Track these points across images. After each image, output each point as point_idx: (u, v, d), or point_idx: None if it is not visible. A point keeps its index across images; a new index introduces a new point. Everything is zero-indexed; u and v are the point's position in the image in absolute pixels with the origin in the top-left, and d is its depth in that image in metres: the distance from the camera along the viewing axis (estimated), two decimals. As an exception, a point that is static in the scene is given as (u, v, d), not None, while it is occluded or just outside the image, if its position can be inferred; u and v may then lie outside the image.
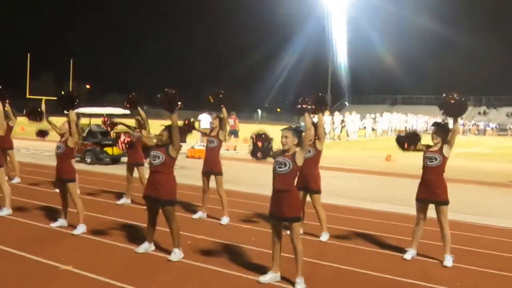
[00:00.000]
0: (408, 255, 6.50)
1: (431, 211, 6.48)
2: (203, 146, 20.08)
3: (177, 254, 6.11)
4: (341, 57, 69.76)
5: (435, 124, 6.48)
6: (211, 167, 8.29)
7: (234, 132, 23.08)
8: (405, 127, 43.31)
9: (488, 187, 13.33)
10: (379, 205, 10.20)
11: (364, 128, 36.70)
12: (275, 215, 5.42)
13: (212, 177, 8.31)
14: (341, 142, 29.51)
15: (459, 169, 14.20)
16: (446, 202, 6.31)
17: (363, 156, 20.34)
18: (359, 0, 64.24)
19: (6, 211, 8.11)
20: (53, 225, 7.52)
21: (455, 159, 6.48)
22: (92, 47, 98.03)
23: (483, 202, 11.35)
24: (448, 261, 6.26)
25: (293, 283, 5.34)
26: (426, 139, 6.51)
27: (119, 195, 9.91)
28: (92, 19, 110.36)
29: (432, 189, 6.31)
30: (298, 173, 5.52)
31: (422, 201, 6.45)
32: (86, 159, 15.49)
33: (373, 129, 37.99)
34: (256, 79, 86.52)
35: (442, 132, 6.35)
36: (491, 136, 47.46)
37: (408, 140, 6.55)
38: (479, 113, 62.33)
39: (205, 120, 23.23)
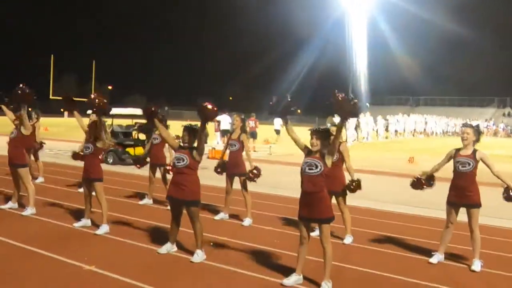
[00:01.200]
0: (434, 259, 6.36)
1: (461, 215, 6.36)
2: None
3: (199, 256, 6.08)
4: (361, 58, 69.30)
5: (467, 125, 6.36)
6: (234, 169, 8.27)
7: (253, 134, 23.05)
8: (424, 129, 42.62)
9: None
10: (404, 208, 10.06)
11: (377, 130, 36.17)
12: (305, 216, 5.36)
13: (236, 179, 8.30)
14: (360, 144, 29.26)
15: (486, 172, 13.90)
16: (478, 205, 6.18)
17: (385, 158, 20.12)
18: (378, 1, 63.81)
19: (30, 210, 8.19)
20: (77, 224, 7.56)
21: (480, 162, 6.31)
22: (114, 48, 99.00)
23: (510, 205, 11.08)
24: (477, 265, 6.11)
25: (318, 286, 5.27)
26: (446, 141, 6.39)
27: (142, 196, 9.94)
28: (114, 21, 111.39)
29: (464, 192, 6.18)
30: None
31: (453, 204, 6.31)
32: (108, 160, 15.57)
33: (386, 131, 37.47)
34: (275, 80, 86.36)
35: (473, 134, 6.21)
36: (503, 137, 46.12)
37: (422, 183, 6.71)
38: (504, 114, 61.27)
39: (224, 121, 23.26)
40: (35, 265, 5.77)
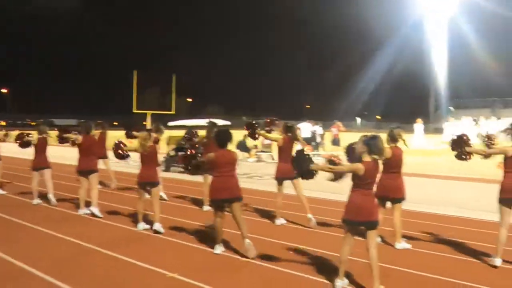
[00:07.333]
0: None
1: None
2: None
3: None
4: (441, 60, 66.79)
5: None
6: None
7: (336, 141, 22.76)
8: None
9: None
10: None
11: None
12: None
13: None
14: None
15: None
16: None
17: (472, 163, 19.07)
18: (459, 1, 61.36)
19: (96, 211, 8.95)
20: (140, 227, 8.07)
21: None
22: (192, 62, 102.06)
23: None
24: None
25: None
26: None
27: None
28: (191, 36, 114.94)
29: None
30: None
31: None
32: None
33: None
34: (351, 86, 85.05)
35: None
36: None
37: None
38: None
39: (305, 129, 23.10)
40: (117, 270, 6.00)
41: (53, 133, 10.24)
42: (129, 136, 10.61)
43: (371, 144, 5.24)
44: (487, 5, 62.91)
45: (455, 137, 6.67)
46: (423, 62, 68.43)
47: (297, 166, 5.97)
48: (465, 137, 6.56)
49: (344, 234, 5.42)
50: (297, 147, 7.82)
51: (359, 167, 5.19)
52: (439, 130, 40.80)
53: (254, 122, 9.05)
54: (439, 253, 6.82)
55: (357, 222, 5.29)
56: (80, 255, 6.67)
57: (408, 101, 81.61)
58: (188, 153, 6.98)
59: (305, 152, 6.04)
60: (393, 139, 6.99)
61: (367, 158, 5.26)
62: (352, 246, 5.40)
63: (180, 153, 16.52)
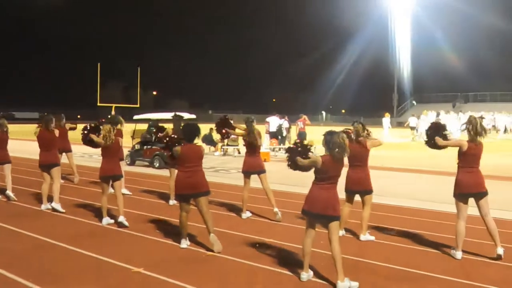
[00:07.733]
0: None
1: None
2: (269, 149, 20.13)
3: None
4: (405, 55, 68.08)
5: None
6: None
7: (302, 134, 22.82)
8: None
9: None
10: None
11: None
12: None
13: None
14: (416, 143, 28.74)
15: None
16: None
17: (437, 157, 19.50)
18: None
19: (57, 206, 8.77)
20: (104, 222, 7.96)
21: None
22: (158, 55, 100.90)
23: None
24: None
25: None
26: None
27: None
28: (157, 28, 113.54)
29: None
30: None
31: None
32: (154, 164, 15.81)
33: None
34: (317, 80, 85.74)
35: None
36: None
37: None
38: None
39: (273, 122, 23.09)
40: (84, 263, 5.90)
41: (13, 127, 10.00)
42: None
43: (328, 140, 5.32)
44: (450, 1, 64.28)
45: (433, 125, 6.74)
46: (388, 57, 69.59)
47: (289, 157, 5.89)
48: (441, 126, 6.65)
49: (306, 227, 5.47)
50: (264, 141, 7.81)
51: (317, 159, 5.28)
52: (402, 124, 41.55)
53: (227, 118, 8.77)
54: (402, 245, 6.97)
55: (315, 214, 5.34)
56: (41, 250, 6.54)
57: (373, 95, 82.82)
58: (170, 140, 6.83)
59: (304, 144, 5.87)
60: (357, 133, 7.07)
61: (327, 152, 5.33)
62: (313, 238, 5.46)
63: (146, 147, 16.50)
